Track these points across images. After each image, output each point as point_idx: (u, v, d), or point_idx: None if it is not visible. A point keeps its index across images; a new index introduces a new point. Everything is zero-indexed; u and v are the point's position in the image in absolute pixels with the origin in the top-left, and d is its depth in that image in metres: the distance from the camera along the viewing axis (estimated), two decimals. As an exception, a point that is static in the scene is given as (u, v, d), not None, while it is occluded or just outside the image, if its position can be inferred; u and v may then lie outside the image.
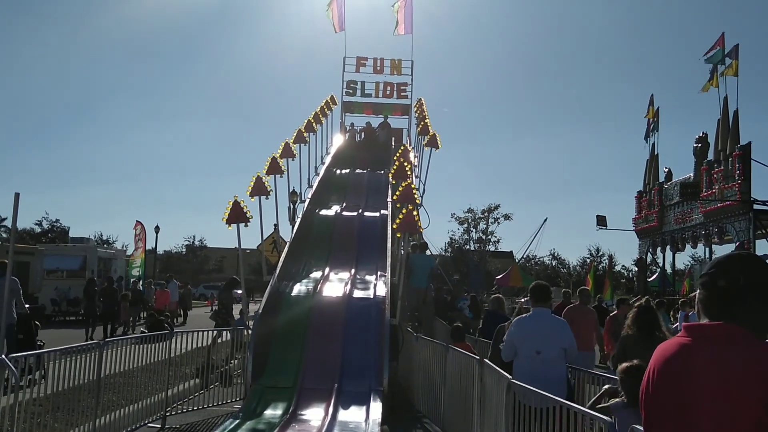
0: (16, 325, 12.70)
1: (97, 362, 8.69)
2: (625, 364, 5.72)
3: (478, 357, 8.17)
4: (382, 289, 13.82)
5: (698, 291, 2.54)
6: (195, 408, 11.26)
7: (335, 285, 14.37)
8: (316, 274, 14.86)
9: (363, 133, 27.63)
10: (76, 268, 30.72)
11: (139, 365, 10.41)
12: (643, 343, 6.80)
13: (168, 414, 10.46)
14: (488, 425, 7.13)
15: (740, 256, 2.49)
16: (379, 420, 9.37)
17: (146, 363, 10.53)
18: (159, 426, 10.18)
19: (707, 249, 33.58)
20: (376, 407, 9.99)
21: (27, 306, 14.15)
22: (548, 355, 7.46)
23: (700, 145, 30.74)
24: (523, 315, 8.42)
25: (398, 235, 14.08)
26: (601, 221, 36.11)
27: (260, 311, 12.48)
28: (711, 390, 2.24)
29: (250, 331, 12.36)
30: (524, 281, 29.72)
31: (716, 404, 2.21)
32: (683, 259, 60.88)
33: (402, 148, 19.25)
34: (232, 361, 13.76)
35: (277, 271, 14.18)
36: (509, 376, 6.26)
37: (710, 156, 29.88)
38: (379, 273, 14.89)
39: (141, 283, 33.15)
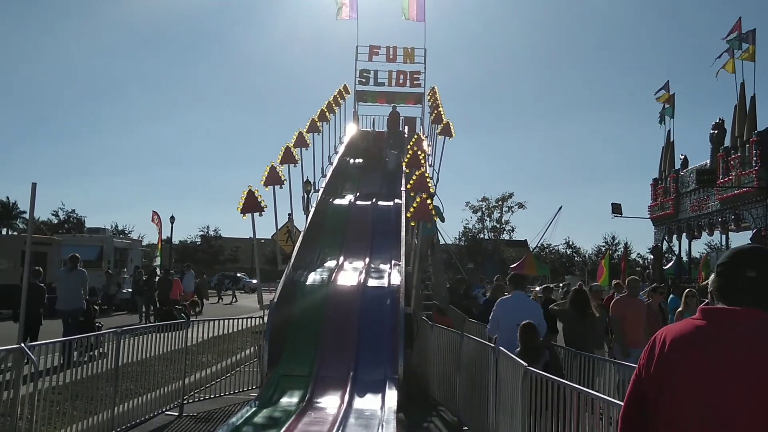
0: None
1: (114, 350, 8.78)
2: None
3: (493, 345, 8.19)
4: (396, 278, 13.84)
5: (714, 278, 2.55)
6: (212, 396, 11.36)
7: (350, 274, 14.40)
8: (331, 263, 14.90)
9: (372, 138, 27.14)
10: (93, 258, 30.91)
11: (156, 354, 10.50)
12: (576, 319, 9.92)
13: (185, 402, 10.56)
14: (504, 413, 7.15)
15: (761, 249, 2.56)
16: (395, 408, 9.40)
17: (163, 352, 10.63)
18: (177, 414, 10.29)
19: (724, 236, 33.34)
20: (392, 395, 10.02)
21: (46, 296, 15.74)
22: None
23: (716, 131, 30.46)
24: (505, 297, 10.25)
25: (412, 224, 14.07)
26: (617, 209, 35.92)
27: (275, 300, 12.53)
28: (737, 371, 2.26)
29: (265, 320, 12.42)
30: (539, 270, 29.69)
31: (743, 386, 2.23)
32: (699, 247, 60.39)
33: (415, 137, 19.22)
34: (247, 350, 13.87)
35: (292, 260, 14.23)
36: (525, 364, 6.27)
37: (727, 142, 29.59)
38: (393, 262, 14.90)
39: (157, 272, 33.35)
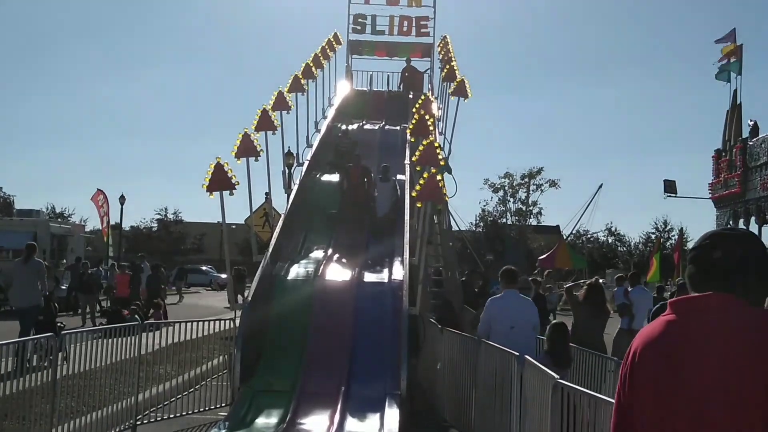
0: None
1: (51, 360, 8.81)
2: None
3: (517, 353, 8.24)
4: (399, 272, 13.88)
5: (687, 266, 2.86)
6: (171, 416, 11.42)
7: (341, 267, 14.45)
8: (318, 254, 14.95)
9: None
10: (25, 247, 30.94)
11: (102, 364, 10.54)
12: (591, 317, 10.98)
13: (139, 423, 10.62)
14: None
15: (733, 230, 2.98)
16: (396, 430, 9.47)
17: (112, 362, 10.66)
18: (128, 437, 10.35)
19: (802, 221, 33.40)
20: (392, 415, 10.09)
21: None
22: (521, 329, 9.81)
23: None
24: (496, 296, 10.98)
25: (418, 205, 14.11)
26: (670, 187, 35.96)
27: (249, 299, 12.59)
28: (713, 360, 2.51)
29: (237, 323, 12.48)
30: (574, 262, 29.76)
31: (723, 373, 2.49)
32: (772, 234, 60.42)
33: (423, 97, 19.20)
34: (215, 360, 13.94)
35: (270, 249, 14.27)
36: (556, 376, 6.31)
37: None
38: (395, 252, 14.94)
39: (103, 265, 33.44)
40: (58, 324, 16.55)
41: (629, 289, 15.70)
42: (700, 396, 2.49)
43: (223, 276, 41.88)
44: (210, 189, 12.78)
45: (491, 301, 10.77)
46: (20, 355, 8.52)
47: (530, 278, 13.77)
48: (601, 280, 14.57)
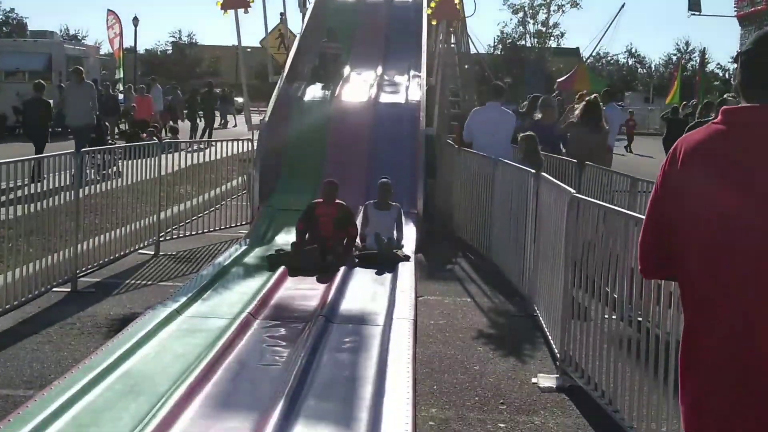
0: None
1: (75, 180, 8.92)
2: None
3: (533, 170, 8.28)
4: (415, 93, 13.77)
5: (737, 71, 2.60)
6: (193, 233, 11.68)
7: (358, 87, 14.34)
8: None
9: None
10: (40, 69, 30.74)
11: (123, 184, 10.69)
12: (588, 133, 11.31)
13: (162, 239, 10.87)
14: (545, 249, 7.32)
15: None
16: (413, 248, 9.65)
17: (132, 182, 10.80)
18: (152, 253, 10.63)
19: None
20: (410, 233, 10.25)
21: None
22: (500, 137, 11.34)
23: None
24: (480, 107, 12.59)
25: (433, 23, 13.81)
26: (695, 4, 34.87)
27: (267, 120, 12.57)
28: (760, 175, 2.35)
29: (255, 145, 12.53)
30: (593, 84, 29.32)
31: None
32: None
33: None
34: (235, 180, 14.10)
35: (286, 71, 14.12)
36: (572, 190, 6.34)
37: None
38: (411, 73, 14.77)
39: (119, 87, 33.26)
40: (109, 142, 19.01)
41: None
42: (743, 209, 2.34)
43: (240, 100, 41.71)
44: (224, 6, 12.52)
45: (474, 111, 12.39)
46: (80, 167, 9.14)
47: (541, 101, 13.53)
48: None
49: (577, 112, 12.12)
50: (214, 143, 15.39)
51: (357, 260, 8.93)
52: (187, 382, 4.83)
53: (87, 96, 18.20)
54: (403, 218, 9.82)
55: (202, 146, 15.81)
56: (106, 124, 20.94)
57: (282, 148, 12.50)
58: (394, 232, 9.49)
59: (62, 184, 8.90)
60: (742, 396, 2.39)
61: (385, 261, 8.78)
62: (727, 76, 66.55)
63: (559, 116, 14.02)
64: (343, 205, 9.29)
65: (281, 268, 8.34)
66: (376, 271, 8.63)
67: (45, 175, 9.03)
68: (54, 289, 8.37)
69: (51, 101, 19.16)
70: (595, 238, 5.91)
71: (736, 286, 2.38)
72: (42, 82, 18.93)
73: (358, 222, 9.67)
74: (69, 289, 8.60)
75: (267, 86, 14.59)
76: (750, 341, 2.35)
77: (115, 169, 10.83)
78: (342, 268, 8.26)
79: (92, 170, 10.27)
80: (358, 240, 9.38)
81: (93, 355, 5.19)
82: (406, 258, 8.93)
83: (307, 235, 9.11)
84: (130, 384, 4.78)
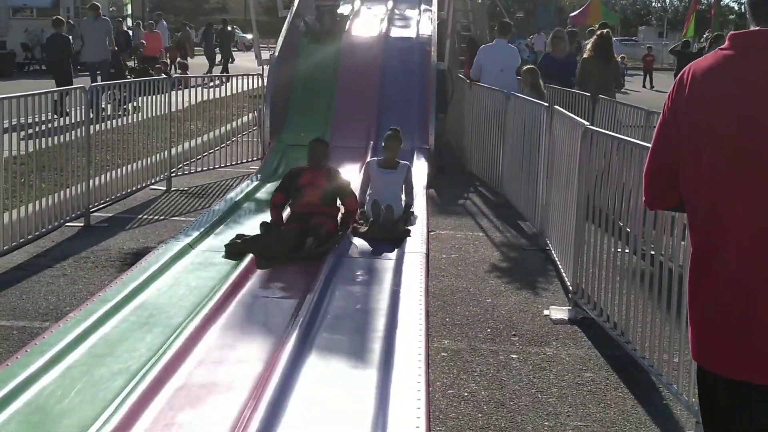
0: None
1: (84, 116, 8.90)
2: None
3: (546, 104, 8.20)
4: (426, 27, 13.62)
5: None
6: (204, 169, 11.67)
7: (368, 21, 14.16)
8: (344, 8, 14.60)
9: None
10: (48, 5, 30.46)
11: (134, 120, 10.67)
12: (600, 66, 11.25)
13: (173, 175, 10.87)
14: (557, 183, 7.29)
15: None
16: (425, 183, 9.61)
17: (143, 118, 10.78)
18: (164, 188, 10.64)
19: None
20: (421, 168, 10.22)
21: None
22: (507, 72, 11.64)
23: None
24: (488, 44, 12.95)
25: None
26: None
27: (276, 55, 12.44)
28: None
29: (265, 80, 12.43)
30: (606, 18, 28.85)
31: None
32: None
33: None
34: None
35: (296, 4, 13.93)
36: (585, 123, 6.28)
37: None
38: (422, 7, 14.58)
39: (128, 23, 32.97)
40: (128, 77, 18.87)
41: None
42: (754, 132, 2.35)
43: (249, 36, 41.29)
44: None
45: (483, 48, 12.59)
46: (90, 103, 9.04)
47: (553, 34, 13.36)
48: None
49: (588, 46, 12.01)
50: (224, 79, 15.33)
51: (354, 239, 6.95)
52: (202, 314, 4.86)
53: (104, 31, 18.10)
54: (413, 179, 7.95)
55: (212, 82, 15.72)
56: (124, 59, 20.82)
57: (292, 83, 12.40)
58: (402, 198, 7.60)
59: (75, 119, 8.90)
60: (745, 325, 2.40)
61: (379, 235, 6.85)
62: (742, 9, 65.42)
63: (577, 51, 13.92)
64: (335, 172, 7.27)
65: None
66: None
67: (67, 110, 9.05)
68: (67, 224, 8.41)
69: (70, 37, 19.04)
70: (608, 170, 5.87)
71: (746, 207, 2.37)
72: (61, 18, 18.86)
73: (356, 188, 7.60)
74: (82, 224, 8.63)
75: (277, 21, 14.38)
76: (759, 265, 2.36)
77: (135, 104, 10.77)
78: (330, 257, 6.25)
79: (108, 105, 10.52)
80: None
81: (108, 288, 5.21)
82: (407, 233, 6.93)
83: (288, 212, 7.11)
84: (145, 316, 4.82)
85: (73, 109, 9.04)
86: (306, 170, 7.11)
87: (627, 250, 5.59)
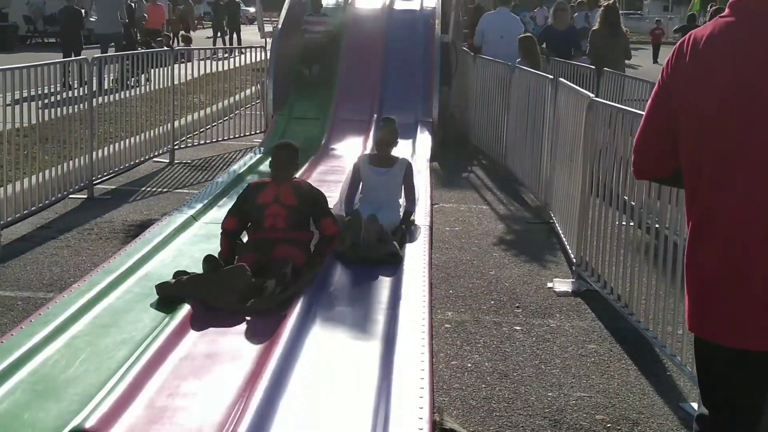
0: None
1: (87, 86, 8.87)
2: None
3: (551, 76, 8.15)
4: (431, -1, 13.55)
5: None
6: (207, 141, 11.66)
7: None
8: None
9: None
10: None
11: (136, 93, 10.63)
12: (609, 37, 11.32)
13: (176, 147, 10.85)
14: (561, 156, 7.26)
15: None
16: (428, 156, 9.57)
17: (146, 91, 10.75)
18: (167, 161, 10.63)
19: None
20: (425, 141, 10.19)
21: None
22: (507, 39, 11.72)
23: None
24: (491, 11, 13.69)
25: None
26: None
27: (280, 27, 12.38)
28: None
29: (268, 53, 12.38)
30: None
31: None
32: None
33: None
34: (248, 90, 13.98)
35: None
36: (591, 95, 6.24)
37: None
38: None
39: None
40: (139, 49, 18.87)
41: (588, 13, 16.25)
42: (757, 96, 2.34)
43: (252, 9, 41.02)
44: None
45: (485, 15, 13.30)
46: (91, 75, 9.10)
47: (555, 6, 13.26)
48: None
49: (598, 18, 11.97)
50: (227, 52, 15.25)
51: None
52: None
53: (115, 4, 17.99)
54: (414, 176, 6.24)
55: (215, 55, 15.66)
56: (136, 31, 20.61)
57: (295, 56, 12.35)
58: (401, 203, 6.04)
59: (79, 93, 8.88)
60: (743, 292, 2.41)
61: (357, 258, 5.27)
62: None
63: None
64: (306, 186, 5.33)
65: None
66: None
67: (70, 82, 9.03)
68: (71, 196, 8.40)
69: (83, 10, 19.02)
70: (612, 143, 5.84)
71: (747, 172, 2.38)
72: None
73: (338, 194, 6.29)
74: (85, 196, 8.63)
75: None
76: (758, 231, 2.37)
77: (144, 76, 10.82)
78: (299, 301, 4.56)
79: (114, 77, 10.64)
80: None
81: (111, 259, 5.19)
82: (393, 259, 5.28)
83: (245, 239, 5.26)
84: (149, 287, 4.79)
85: (75, 81, 9.01)
86: (268, 184, 5.17)
87: (632, 223, 5.58)
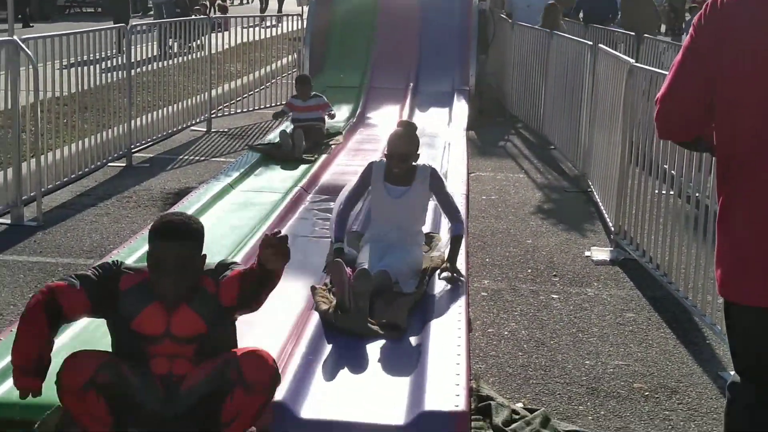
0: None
1: (125, 57, 8.91)
2: None
3: (590, 42, 8.04)
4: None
5: None
6: (243, 110, 11.68)
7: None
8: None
9: None
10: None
11: (173, 62, 10.66)
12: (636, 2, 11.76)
13: (213, 116, 10.89)
14: (600, 124, 7.17)
15: None
16: (465, 125, 9.52)
17: (183, 61, 10.77)
18: (204, 129, 10.67)
19: None
20: (461, 110, 10.13)
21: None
22: (535, 9, 12.06)
23: None
24: None
25: None
26: None
27: (316, -4, 12.33)
28: None
29: (305, 22, 12.35)
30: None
31: None
32: None
33: None
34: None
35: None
36: (631, 60, 6.15)
37: None
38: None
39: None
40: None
41: None
42: None
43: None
44: None
45: None
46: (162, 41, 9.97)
47: None
48: None
49: None
50: (263, 20, 15.23)
51: None
52: (243, 252, 4.88)
53: None
54: (445, 188, 4.62)
55: (252, 23, 15.64)
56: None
57: (331, 24, 12.30)
58: (419, 237, 4.67)
59: (115, 62, 8.93)
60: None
61: (344, 327, 3.81)
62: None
63: None
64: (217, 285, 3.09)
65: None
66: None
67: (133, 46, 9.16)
68: (110, 164, 8.48)
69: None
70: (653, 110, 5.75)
71: None
72: None
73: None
74: (124, 164, 8.70)
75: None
76: None
77: (198, 42, 11.04)
78: None
79: (175, 43, 11.05)
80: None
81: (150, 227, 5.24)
82: (394, 331, 3.82)
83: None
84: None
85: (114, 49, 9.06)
86: (152, 303, 2.98)
87: (671, 192, 5.51)
